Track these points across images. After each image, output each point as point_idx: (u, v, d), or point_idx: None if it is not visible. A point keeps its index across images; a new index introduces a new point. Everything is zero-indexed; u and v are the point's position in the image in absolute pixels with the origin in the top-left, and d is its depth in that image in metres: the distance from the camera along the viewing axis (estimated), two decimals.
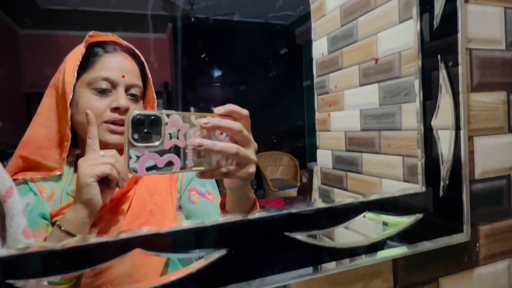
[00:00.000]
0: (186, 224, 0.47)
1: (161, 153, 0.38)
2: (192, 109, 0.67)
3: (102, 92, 0.51)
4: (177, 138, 0.39)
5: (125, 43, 0.55)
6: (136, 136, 0.37)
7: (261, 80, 0.73)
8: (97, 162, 0.46)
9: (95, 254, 0.42)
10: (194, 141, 0.40)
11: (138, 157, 0.37)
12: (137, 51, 0.55)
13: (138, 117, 0.37)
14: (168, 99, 0.64)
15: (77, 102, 0.50)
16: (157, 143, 0.38)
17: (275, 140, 0.74)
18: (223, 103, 0.44)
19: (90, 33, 0.52)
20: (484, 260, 0.71)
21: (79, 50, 0.50)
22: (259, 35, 0.72)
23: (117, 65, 0.53)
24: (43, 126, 0.50)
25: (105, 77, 0.51)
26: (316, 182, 0.91)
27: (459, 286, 0.69)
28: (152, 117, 0.38)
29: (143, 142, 0.37)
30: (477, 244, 0.70)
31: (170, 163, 0.39)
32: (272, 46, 0.73)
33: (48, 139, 0.50)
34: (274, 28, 0.74)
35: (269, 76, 0.74)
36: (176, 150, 0.39)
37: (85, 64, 0.51)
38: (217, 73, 0.71)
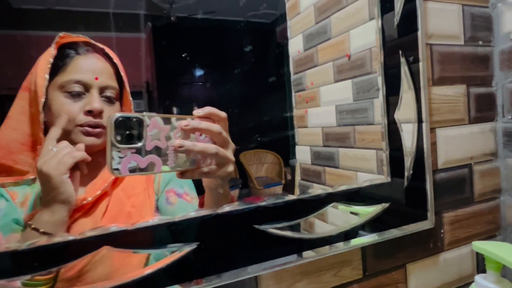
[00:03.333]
0: (155, 220, 0.48)
1: (143, 154, 0.39)
2: (174, 109, 0.67)
3: (75, 95, 0.50)
4: (159, 139, 0.41)
5: (97, 43, 0.54)
6: (118, 138, 0.38)
7: (243, 78, 0.74)
8: (58, 157, 0.45)
9: (64, 253, 0.43)
10: (174, 142, 0.42)
11: (120, 158, 0.38)
12: (110, 51, 0.54)
13: (121, 119, 0.38)
14: (149, 99, 0.64)
15: (50, 106, 0.50)
16: (139, 144, 0.39)
17: (259, 139, 0.75)
18: (205, 102, 0.45)
19: (60, 34, 0.51)
20: (449, 245, 0.74)
21: (50, 52, 0.50)
22: (240, 34, 0.73)
23: (89, 67, 0.52)
24: (13, 130, 0.49)
25: (78, 79, 0.50)
26: (298, 178, 0.93)
27: (426, 271, 0.72)
28: (134, 119, 0.39)
29: (125, 143, 0.38)
30: (442, 231, 0.73)
31: (151, 164, 0.40)
32: (254, 45, 0.74)
33: (19, 143, 0.49)
34: (254, 27, 0.75)
35: (251, 75, 0.75)
36: (157, 151, 0.41)
37: (57, 67, 0.50)
38: (198, 72, 0.70)
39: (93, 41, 0.53)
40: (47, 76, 0.49)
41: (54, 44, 0.50)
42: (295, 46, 0.93)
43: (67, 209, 0.46)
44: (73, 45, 0.52)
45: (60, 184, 0.45)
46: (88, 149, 0.50)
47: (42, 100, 0.48)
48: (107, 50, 0.54)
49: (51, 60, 0.49)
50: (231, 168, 0.47)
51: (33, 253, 0.41)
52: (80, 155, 0.47)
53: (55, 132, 0.48)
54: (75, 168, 0.47)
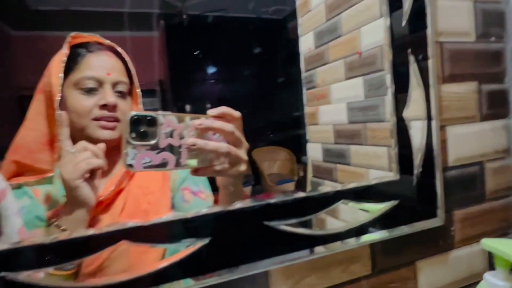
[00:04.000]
0: (169, 216, 0.51)
1: (157, 151, 0.41)
2: (187, 106, 0.69)
3: (89, 91, 0.52)
4: (172, 137, 0.42)
5: (107, 42, 0.56)
6: (133, 135, 0.40)
7: (256, 75, 0.75)
8: (75, 161, 0.47)
9: (84, 246, 0.45)
10: (188, 140, 0.43)
11: (135, 154, 0.40)
12: (119, 48, 0.56)
13: (136, 117, 0.40)
14: (162, 97, 0.66)
15: (65, 103, 0.52)
16: (153, 141, 0.41)
17: (271, 135, 0.77)
18: (218, 99, 0.47)
19: (72, 34, 0.53)
20: (460, 243, 0.74)
21: (63, 52, 0.52)
22: (252, 31, 0.74)
23: (101, 64, 0.54)
24: (32, 130, 0.51)
25: (91, 76, 0.52)
26: (310, 175, 0.94)
27: (436, 268, 0.72)
28: (149, 118, 0.41)
29: (140, 140, 0.40)
30: (452, 228, 0.73)
31: (165, 161, 0.42)
32: (266, 41, 0.75)
33: (38, 142, 0.51)
34: (266, 24, 0.76)
35: (264, 71, 0.76)
36: (171, 148, 0.42)
37: (70, 65, 0.52)
38: (211, 70, 0.72)
39: (103, 39, 0.55)
40: (61, 75, 0.51)
41: (66, 44, 0.52)
42: (306, 43, 0.93)
43: (85, 210, 0.48)
44: (84, 44, 0.54)
45: (75, 188, 0.47)
46: (106, 143, 0.52)
47: (58, 98, 0.50)
48: (117, 47, 0.56)
49: (65, 59, 0.51)
50: (243, 167, 0.48)
51: (56, 247, 0.43)
52: (97, 162, 0.48)
53: (63, 132, 0.49)
54: (91, 173, 0.48)
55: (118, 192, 0.55)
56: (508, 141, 0.79)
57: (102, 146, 0.50)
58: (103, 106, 0.53)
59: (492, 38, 0.76)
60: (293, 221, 0.58)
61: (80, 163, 0.47)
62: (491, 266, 0.77)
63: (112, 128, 0.53)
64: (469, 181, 0.75)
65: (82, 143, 0.49)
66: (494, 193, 0.78)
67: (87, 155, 0.48)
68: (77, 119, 0.52)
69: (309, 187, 0.96)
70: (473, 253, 0.76)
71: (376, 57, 0.73)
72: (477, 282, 0.75)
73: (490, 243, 0.56)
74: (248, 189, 0.74)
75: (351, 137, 0.81)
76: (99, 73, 0.53)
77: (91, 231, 0.45)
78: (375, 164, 0.74)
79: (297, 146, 0.84)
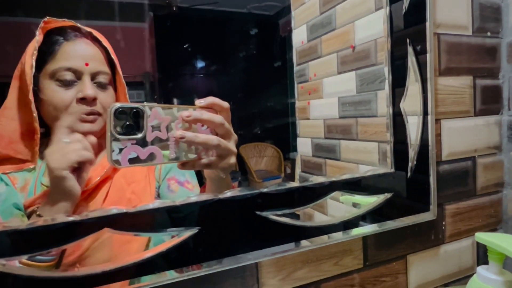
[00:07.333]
0: (156, 203, 0.48)
1: (144, 145, 0.39)
2: (174, 100, 0.67)
3: (67, 83, 0.49)
4: (159, 130, 0.40)
5: (85, 28, 0.52)
6: (118, 129, 0.37)
7: (244, 71, 0.73)
8: (64, 151, 0.44)
9: (64, 233, 0.42)
10: (176, 133, 0.41)
11: (120, 149, 0.37)
12: (98, 34, 0.52)
13: (121, 109, 0.37)
14: (149, 89, 0.63)
15: (41, 94, 0.49)
16: (139, 135, 0.39)
17: (259, 132, 0.75)
18: (206, 93, 0.45)
19: (45, 19, 0.49)
20: (450, 237, 0.74)
21: (36, 39, 0.48)
22: (242, 26, 0.72)
23: (79, 53, 0.51)
24: (12, 120, 0.48)
25: (68, 67, 0.49)
26: (298, 171, 0.93)
27: (426, 262, 0.72)
28: (135, 110, 0.38)
29: (125, 134, 0.38)
30: (443, 223, 0.73)
31: (152, 155, 0.40)
32: (256, 37, 0.73)
33: (19, 132, 0.48)
34: (257, 18, 0.74)
35: (253, 67, 0.74)
36: (158, 142, 0.40)
37: (46, 54, 0.49)
38: (200, 63, 0.70)
39: (80, 25, 0.51)
40: (33, 63, 0.47)
41: (39, 30, 0.48)
42: (299, 36, 0.91)
43: (70, 202, 0.46)
44: (60, 31, 0.50)
45: (61, 179, 0.44)
46: (86, 135, 0.49)
47: (31, 88, 0.47)
48: (95, 33, 0.52)
49: (37, 46, 0.48)
50: (233, 159, 0.47)
51: (33, 233, 0.40)
52: (87, 155, 0.46)
53: (66, 120, 0.47)
54: (79, 165, 0.46)
55: (101, 182, 0.52)
56: (500, 137, 0.79)
57: (92, 140, 0.47)
58: (82, 100, 0.49)
59: (488, 33, 0.76)
60: (286, 211, 0.56)
61: (70, 153, 0.44)
62: (479, 261, 0.78)
63: (92, 121, 0.51)
64: (461, 176, 0.75)
65: (78, 135, 0.47)
66: (484, 188, 0.78)
67: (78, 147, 0.46)
68: (55, 112, 0.49)
69: (297, 182, 0.94)
70: (463, 248, 0.76)
71: (370, 51, 0.72)
72: (466, 277, 0.75)
73: (484, 237, 0.56)
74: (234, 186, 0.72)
75: (341, 132, 0.80)
76: (76, 64, 0.50)
77: (72, 217, 0.42)
78: (365, 159, 0.73)
79: (286, 141, 0.83)
